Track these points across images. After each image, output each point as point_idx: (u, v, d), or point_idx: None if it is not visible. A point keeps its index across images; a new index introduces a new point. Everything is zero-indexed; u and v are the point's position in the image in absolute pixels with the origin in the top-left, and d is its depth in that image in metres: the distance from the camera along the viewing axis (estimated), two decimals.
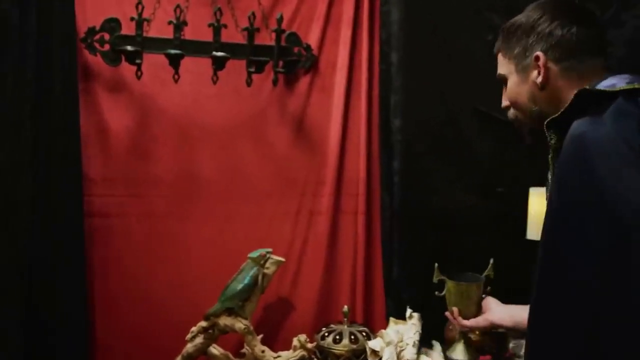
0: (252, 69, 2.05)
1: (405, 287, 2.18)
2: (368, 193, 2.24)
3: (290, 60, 2.14)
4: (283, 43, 2.11)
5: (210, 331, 1.87)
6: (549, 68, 1.21)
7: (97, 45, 1.95)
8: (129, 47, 1.91)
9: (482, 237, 2.18)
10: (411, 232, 2.20)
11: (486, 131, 2.21)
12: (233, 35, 2.04)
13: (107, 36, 1.94)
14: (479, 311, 1.69)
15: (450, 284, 1.76)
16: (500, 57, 1.32)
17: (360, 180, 2.23)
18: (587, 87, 1.10)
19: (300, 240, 2.20)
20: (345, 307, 1.96)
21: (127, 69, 1.99)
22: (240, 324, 1.84)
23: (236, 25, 2.05)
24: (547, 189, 1.24)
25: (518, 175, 2.19)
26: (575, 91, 1.11)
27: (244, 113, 2.15)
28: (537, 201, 2.01)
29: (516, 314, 1.55)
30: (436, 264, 1.82)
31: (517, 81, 1.27)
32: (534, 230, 2.02)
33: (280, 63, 2.11)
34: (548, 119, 1.15)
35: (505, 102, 1.33)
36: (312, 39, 2.19)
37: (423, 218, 2.21)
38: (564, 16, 1.21)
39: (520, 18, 1.26)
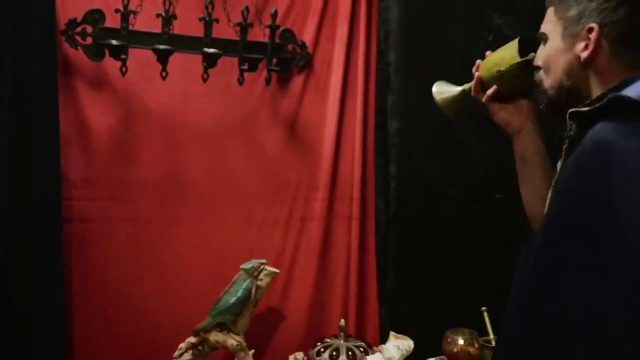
0: (245, 67, 1.94)
1: (400, 297, 2.10)
2: (362, 198, 2.15)
3: (284, 58, 2.04)
4: (277, 40, 2.00)
5: (199, 348, 1.77)
6: (600, 45, 1.05)
7: (78, 38, 1.82)
8: (113, 41, 1.78)
9: (480, 244, 2.11)
10: (407, 239, 2.13)
11: (485, 135, 2.14)
12: (225, 30, 1.93)
13: (89, 29, 1.82)
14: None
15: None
16: (549, 13, 1.15)
17: (355, 185, 2.14)
18: (625, 93, 0.96)
19: (291, 248, 2.10)
20: (342, 321, 1.87)
21: (110, 65, 1.86)
22: (232, 340, 1.73)
23: (228, 20, 1.94)
24: (554, 180, 1.09)
25: (516, 182, 2.13)
26: (617, 80, 1.00)
27: (235, 113, 2.04)
28: None
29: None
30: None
31: (559, 46, 1.11)
32: None
33: (274, 61, 2.01)
34: (572, 110, 1.01)
35: (539, 62, 1.18)
36: (307, 36, 2.09)
37: (419, 225, 2.13)
38: None
39: None
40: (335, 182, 2.14)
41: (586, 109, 0.98)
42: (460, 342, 1.92)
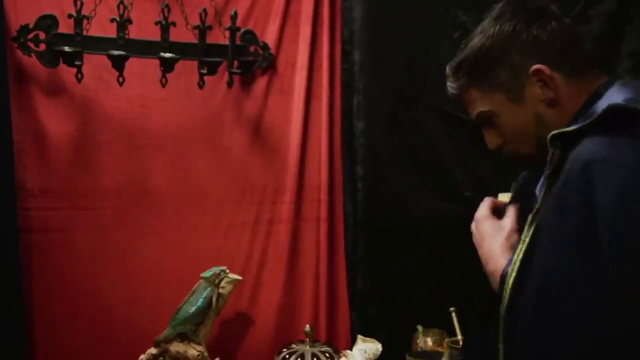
0: (204, 70, 1.91)
1: (370, 299, 2.08)
2: (330, 200, 2.13)
3: (246, 61, 2.00)
4: (238, 42, 1.97)
5: (160, 359, 1.74)
6: (554, 78, 0.99)
7: (31, 45, 1.78)
8: (66, 48, 1.74)
9: (449, 244, 2.09)
10: (376, 240, 2.10)
11: (452, 134, 2.12)
12: (183, 33, 1.90)
13: (42, 35, 1.78)
14: None
15: None
16: (474, 94, 1.08)
17: (322, 187, 2.11)
18: (620, 101, 0.89)
19: (259, 252, 2.08)
20: (307, 327, 1.85)
21: (66, 71, 1.83)
22: (193, 351, 1.71)
23: (186, 22, 1.90)
24: (535, 211, 0.98)
25: (486, 180, 2.11)
26: (584, 99, 0.95)
27: (197, 117, 2.01)
28: None
29: None
30: None
31: (513, 110, 1.03)
32: None
33: (235, 63, 1.97)
34: (555, 132, 0.92)
35: (496, 142, 1.09)
36: (269, 37, 2.06)
37: (388, 226, 2.11)
38: (534, 16, 1.01)
39: (483, 41, 1.04)
40: (302, 185, 2.12)
41: (573, 127, 0.91)
42: (430, 342, 1.91)
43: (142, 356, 1.74)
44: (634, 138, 0.83)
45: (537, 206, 0.96)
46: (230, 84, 1.97)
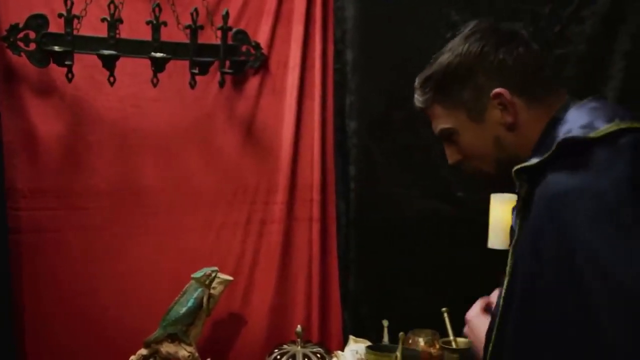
0: (196, 70, 1.90)
1: (363, 299, 2.08)
2: (323, 200, 2.12)
3: (238, 60, 2.00)
4: (230, 41, 1.96)
5: (151, 359, 1.73)
6: (514, 103, 1.02)
7: (21, 44, 1.77)
8: (56, 48, 1.73)
9: (442, 244, 2.09)
10: (368, 240, 2.10)
11: None
12: (174, 33, 1.89)
13: (32, 34, 1.76)
14: None
15: None
16: (437, 109, 1.10)
17: (315, 187, 2.11)
18: (576, 127, 0.93)
19: (251, 252, 2.07)
20: (299, 327, 1.84)
21: (56, 70, 1.82)
22: (184, 351, 1.70)
23: (177, 22, 1.89)
24: (510, 244, 1.02)
25: (478, 181, 2.10)
26: (545, 123, 0.98)
27: (189, 117, 2.00)
28: (499, 207, 1.93)
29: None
30: None
31: (473, 130, 1.06)
32: (495, 238, 1.94)
33: (227, 63, 1.96)
34: (517, 167, 0.96)
35: (456, 157, 1.12)
36: (262, 37, 2.05)
37: (381, 226, 2.11)
38: (503, 40, 1.04)
39: (451, 59, 1.06)
40: (295, 185, 2.11)
41: (535, 161, 0.94)
42: (422, 343, 1.90)
43: (132, 357, 1.73)
44: (591, 165, 0.86)
45: (515, 238, 0.99)
46: (222, 83, 1.97)
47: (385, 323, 1.71)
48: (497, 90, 1.01)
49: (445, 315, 1.89)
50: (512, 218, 1.05)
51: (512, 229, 1.05)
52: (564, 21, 2.00)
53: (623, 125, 0.90)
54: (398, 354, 1.52)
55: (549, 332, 0.85)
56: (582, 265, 0.81)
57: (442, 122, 1.10)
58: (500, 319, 0.99)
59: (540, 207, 0.89)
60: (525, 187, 0.95)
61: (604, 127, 0.90)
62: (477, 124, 1.05)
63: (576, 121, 0.94)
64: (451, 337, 1.87)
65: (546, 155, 0.92)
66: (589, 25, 1.97)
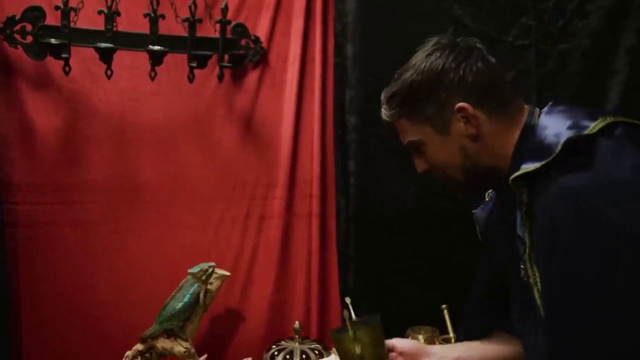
0: (194, 64, 1.88)
1: (362, 295, 2.06)
2: (322, 195, 2.10)
3: (237, 54, 1.97)
4: (229, 35, 1.94)
5: (147, 355, 1.72)
6: (476, 116, 1.08)
7: (17, 36, 1.75)
8: (53, 40, 1.72)
9: (441, 241, 2.07)
10: (368, 236, 2.08)
11: None
12: (172, 26, 1.87)
13: (29, 27, 1.75)
14: None
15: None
16: (404, 124, 1.17)
17: (314, 182, 2.09)
18: (564, 129, 0.97)
19: (250, 248, 2.05)
20: (297, 323, 1.83)
21: (53, 63, 1.80)
22: (180, 347, 1.69)
23: (176, 15, 1.87)
24: (526, 253, 1.03)
25: None
26: (512, 132, 1.04)
27: (187, 111, 1.98)
28: None
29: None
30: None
31: (440, 142, 1.12)
32: None
33: (226, 57, 1.94)
34: (517, 174, 0.99)
35: (424, 167, 1.19)
36: (261, 31, 2.02)
37: (380, 222, 2.09)
38: (462, 56, 1.10)
39: (414, 77, 1.12)
40: (294, 180, 2.09)
41: (535, 165, 0.97)
42: (421, 339, 1.89)
43: (128, 352, 1.72)
44: (602, 158, 0.91)
45: (527, 245, 1.01)
46: (220, 77, 1.95)
47: (348, 300, 1.64)
48: (460, 104, 1.08)
49: (445, 312, 1.89)
50: (514, 226, 1.07)
51: (518, 237, 1.06)
52: (568, 16, 1.98)
53: (609, 120, 0.95)
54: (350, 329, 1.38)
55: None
56: (619, 249, 0.86)
57: (409, 135, 1.17)
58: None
59: (556, 208, 0.91)
60: (525, 191, 0.98)
61: (594, 124, 0.94)
62: (442, 137, 1.12)
63: (558, 124, 0.99)
64: (451, 334, 1.86)
65: (550, 158, 0.95)
66: (594, 19, 1.96)
